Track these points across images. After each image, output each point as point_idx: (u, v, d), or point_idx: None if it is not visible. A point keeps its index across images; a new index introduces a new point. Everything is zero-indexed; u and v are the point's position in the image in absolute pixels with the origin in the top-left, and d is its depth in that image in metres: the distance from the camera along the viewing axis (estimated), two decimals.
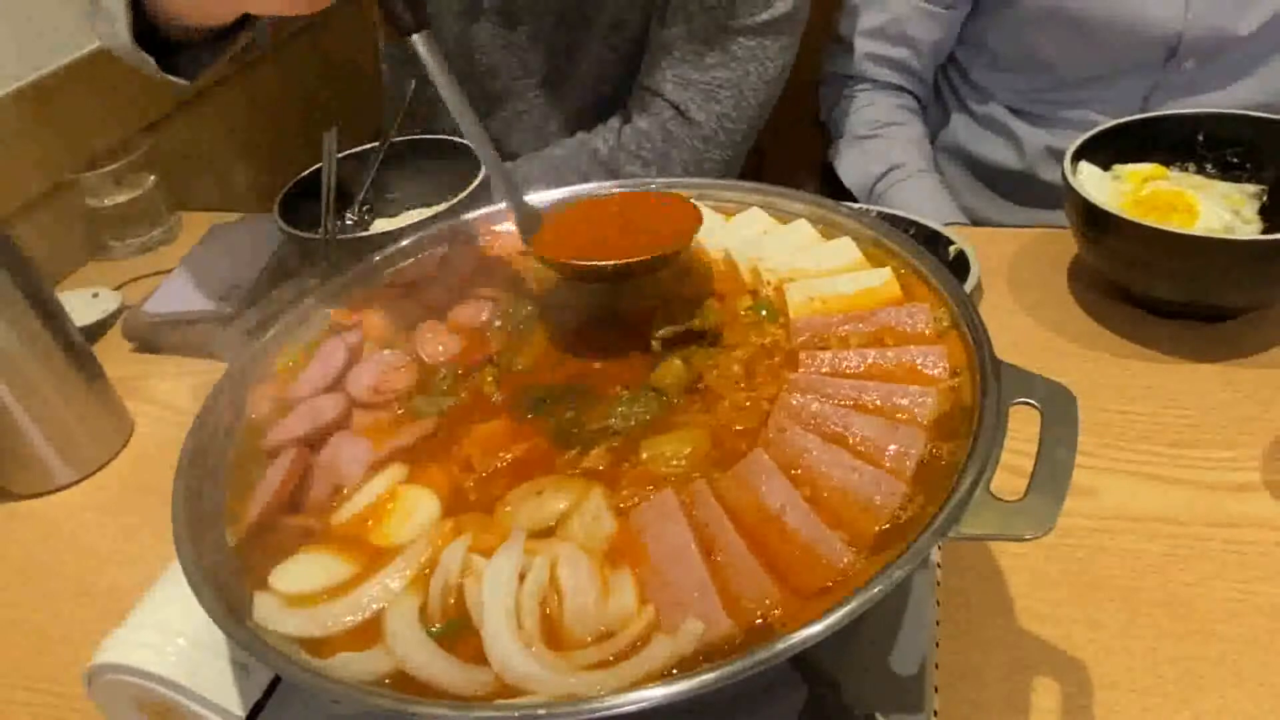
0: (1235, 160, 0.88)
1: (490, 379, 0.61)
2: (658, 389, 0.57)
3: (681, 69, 1.06)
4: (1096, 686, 0.58)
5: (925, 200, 1.20)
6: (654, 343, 0.60)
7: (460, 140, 1.03)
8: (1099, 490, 0.70)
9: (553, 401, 0.58)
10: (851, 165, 1.28)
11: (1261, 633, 0.60)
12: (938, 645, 0.55)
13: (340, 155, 1.01)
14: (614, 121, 1.13)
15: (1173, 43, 1.14)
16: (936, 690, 0.53)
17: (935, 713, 0.52)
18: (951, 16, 1.26)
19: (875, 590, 0.41)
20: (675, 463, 0.51)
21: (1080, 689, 0.58)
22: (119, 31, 0.79)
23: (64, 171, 1.18)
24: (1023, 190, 1.30)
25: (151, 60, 0.82)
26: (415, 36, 0.59)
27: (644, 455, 0.52)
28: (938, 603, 0.58)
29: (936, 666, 0.54)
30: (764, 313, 0.62)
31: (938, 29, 1.27)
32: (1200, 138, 0.90)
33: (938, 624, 0.57)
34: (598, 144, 1.11)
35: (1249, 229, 0.82)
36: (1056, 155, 1.23)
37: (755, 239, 0.69)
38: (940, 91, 1.39)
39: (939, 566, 0.61)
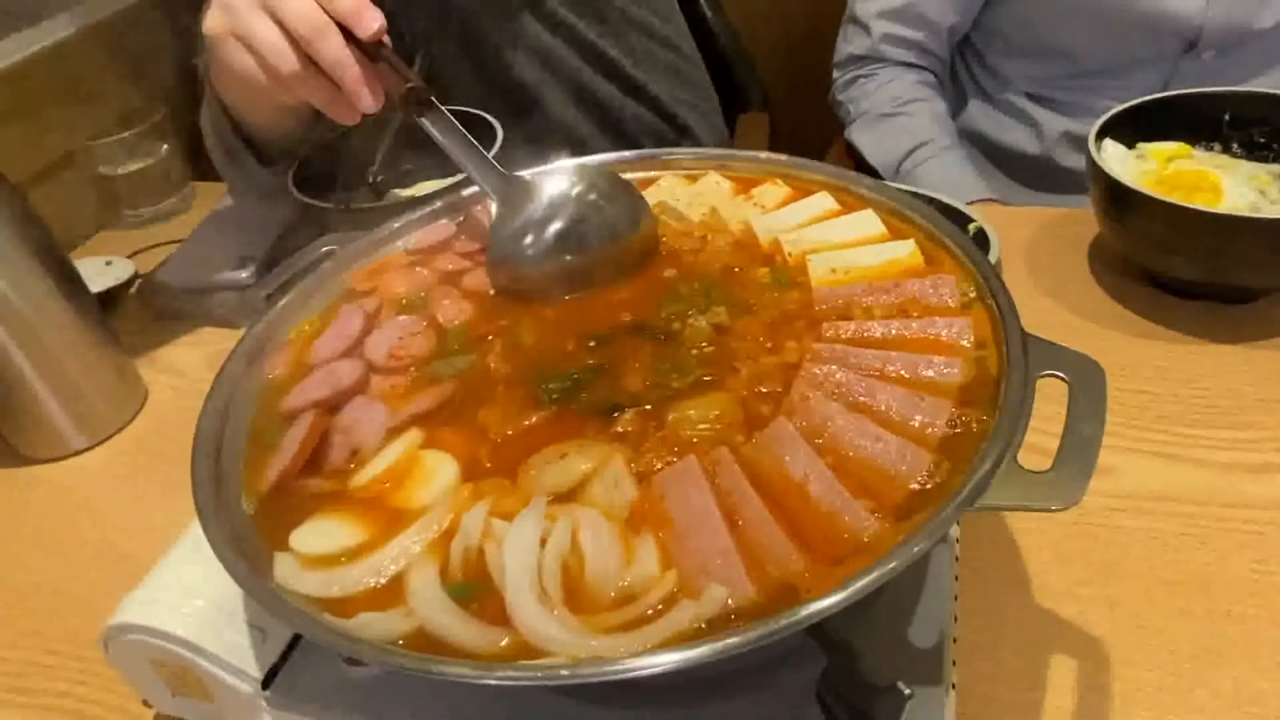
0: (1261, 140, 0.88)
1: (497, 351, 0.60)
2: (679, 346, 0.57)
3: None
4: (1113, 663, 0.58)
5: (955, 176, 1.19)
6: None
7: (473, 111, 1.02)
8: (1118, 469, 0.70)
9: (574, 387, 0.56)
10: (876, 143, 1.27)
11: (1278, 612, 0.59)
12: (956, 619, 0.55)
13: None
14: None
15: (1192, 35, 1.12)
16: (955, 664, 0.53)
17: (954, 685, 0.52)
18: (968, 1, 1.25)
19: (900, 559, 0.40)
20: (701, 426, 0.51)
21: (1097, 666, 0.58)
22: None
23: (78, 139, 1.17)
24: (1041, 176, 1.29)
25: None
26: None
27: (670, 418, 0.52)
28: (956, 577, 0.58)
29: (955, 640, 0.54)
30: (780, 280, 0.61)
31: (954, 12, 1.26)
32: (1226, 117, 0.89)
33: (956, 598, 0.56)
34: None
35: (1274, 209, 0.82)
36: (1075, 141, 1.22)
37: (777, 211, 0.68)
38: (957, 76, 1.38)
39: (958, 541, 0.60)
